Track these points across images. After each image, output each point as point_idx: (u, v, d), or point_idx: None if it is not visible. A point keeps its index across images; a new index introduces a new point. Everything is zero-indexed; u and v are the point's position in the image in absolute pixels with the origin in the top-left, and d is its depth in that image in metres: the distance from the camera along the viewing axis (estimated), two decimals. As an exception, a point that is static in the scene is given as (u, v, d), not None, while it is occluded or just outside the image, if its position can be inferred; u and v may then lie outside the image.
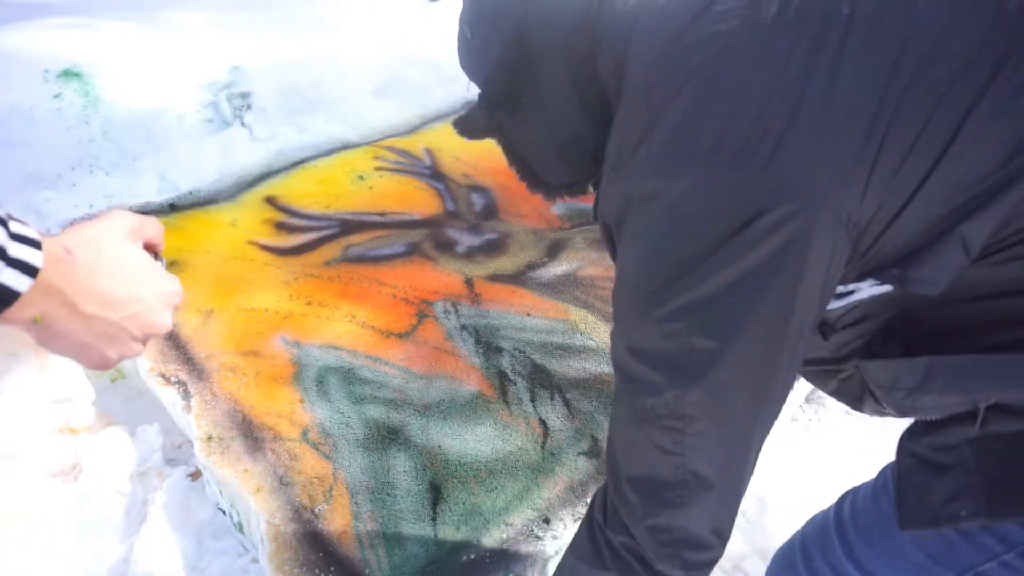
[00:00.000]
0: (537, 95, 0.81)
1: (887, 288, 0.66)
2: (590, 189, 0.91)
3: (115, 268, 0.54)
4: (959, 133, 0.56)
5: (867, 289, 0.67)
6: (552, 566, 1.30)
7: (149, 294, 0.56)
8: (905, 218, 0.60)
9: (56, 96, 2.79)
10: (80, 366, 1.77)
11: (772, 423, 0.69)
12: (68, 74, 2.89)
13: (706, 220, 0.61)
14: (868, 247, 0.62)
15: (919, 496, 0.70)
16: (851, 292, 0.69)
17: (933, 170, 0.57)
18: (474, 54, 0.85)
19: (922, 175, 0.58)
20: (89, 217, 2.07)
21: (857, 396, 0.84)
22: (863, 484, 0.88)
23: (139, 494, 1.54)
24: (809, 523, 0.95)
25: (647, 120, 0.66)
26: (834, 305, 0.70)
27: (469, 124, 0.88)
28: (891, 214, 0.60)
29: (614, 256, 0.75)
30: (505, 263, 2.05)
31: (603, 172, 0.75)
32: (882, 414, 0.80)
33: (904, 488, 0.72)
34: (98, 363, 0.56)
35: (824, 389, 0.88)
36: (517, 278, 1.98)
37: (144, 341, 0.57)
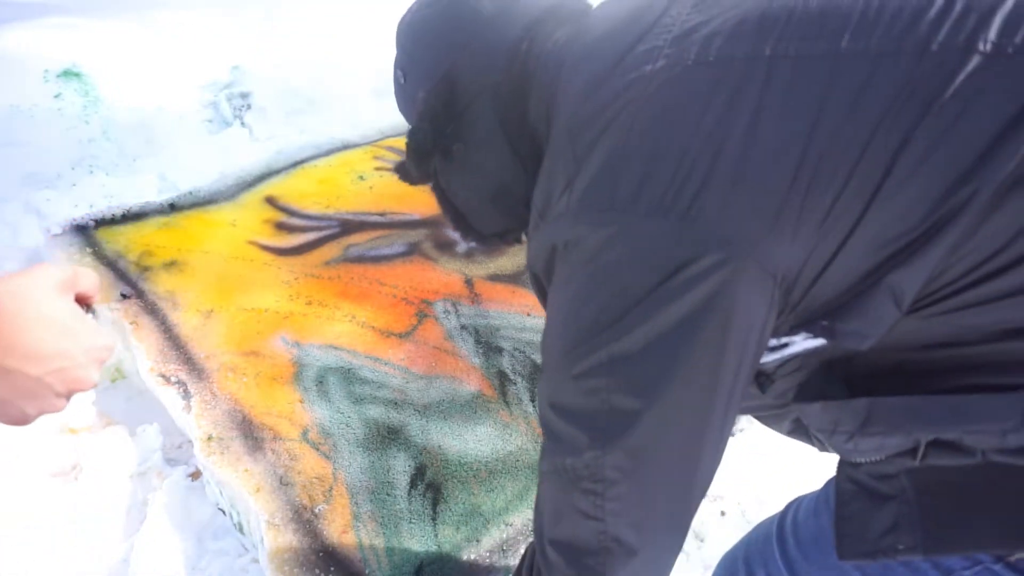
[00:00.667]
0: (467, 142, 0.78)
1: (820, 341, 0.63)
2: (523, 238, 0.87)
3: (40, 321, 0.51)
4: (883, 185, 0.53)
5: (800, 342, 0.64)
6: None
7: (76, 349, 0.53)
8: (834, 269, 0.57)
9: (56, 96, 2.79)
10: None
11: (707, 483, 0.65)
12: (68, 74, 2.89)
13: (627, 271, 0.58)
14: (799, 299, 0.59)
15: (858, 526, 0.68)
16: (785, 345, 0.66)
17: (859, 221, 0.55)
18: (407, 99, 0.83)
19: (849, 226, 0.55)
20: (85, 219, 2.07)
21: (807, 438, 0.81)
22: (808, 495, 0.86)
23: (139, 494, 1.54)
24: (754, 531, 0.94)
25: (571, 166, 0.64)
26: (769, 358, 0.67)
27: (406, 171, 0.85)
28: (820, 265, 0.57)
29: (543, 304, 0.72)
30: (505, 263, 2.05)
31: (531, 220, 0.72)
32: (824, 450, 0.77)
33: (843, 515, 0.70)
34: (15, 420, 0.53)
35: (779, 431, 0.84)
36: (517, 278, 1.98)
37: (68, 397, 0.55)
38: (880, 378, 0.64)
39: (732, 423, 0.64)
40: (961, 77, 0.51)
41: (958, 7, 0.53)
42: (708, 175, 0.56)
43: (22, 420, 0.53)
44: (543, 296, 0.72)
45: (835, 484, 0.73)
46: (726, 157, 0.56)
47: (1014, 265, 0.52)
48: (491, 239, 0.89)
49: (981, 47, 0.51)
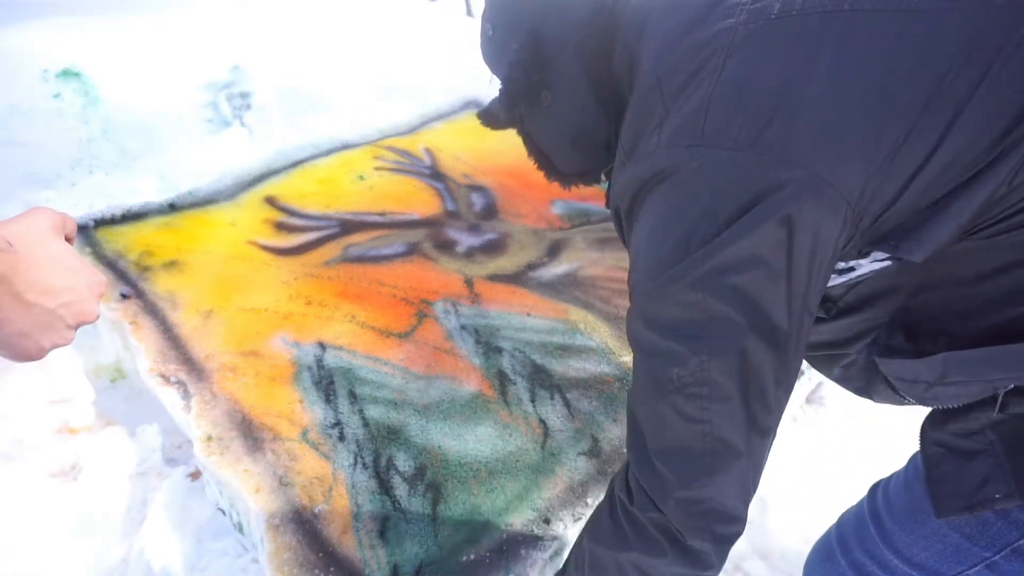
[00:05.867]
0: (554, 90, 0.86)
1: (884, 264, 0.69)
2: (603, 178, 0.95)
3: (51, 259, 0.57)
4: (955, 122, 0.59)
5: (867, 265, 0.71)
6: (551, 567, 1.30)
7: (81, 284, 0.59)
8: (905, 198, 0.63)
9: (56, 96, 2.79)
10: (77, 366, 1.77)
11: (790, 390, 0.71)
12: (68, 74, 2.89)
13: (716, 198, 0.65)
14: (869, 225, 0.65)
15: (951, 484, 0.72)
16: (851, 268, 0.72)
17: (931, 155, 0.60)
18: (494, 51, 0.90)
19: (921, 159, 0.61)
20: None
21: (861, 384, 0.85)
22: (893, 474, 0.90)
23: (139, 494, 1.54)
24: (843, 516, 0.97)
25: (660, 109, 0.71)
26: (836, 281, 0.73)
27: (492, 116, 0.92)
28: (892, 194, 0.63)
29: (624, 239, 0.79)
30: (505, 263, 2.05)
31: (616, 160, 0.79)
32: (898, 402, 0.81)
33: (935, 477, 0.74)
34: (32, 353, 0.57)
35: (828, 375, 0.90)
36: (517, 278, 1.98)
37: (75, 329, 0.60)
38: (941, 322, 0.69)
39: (807, 335, 0.69)
40: None
41: None
42: (792, 114, 0.62)
43: (37, 354, 0.58)
44: (622, 231, 0.80)
45: (921, 452, 0.77)
46: (808, 98, 0.62)
47: None
48: (571, 178, 0.96)
49: None
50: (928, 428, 0.76)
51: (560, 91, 0.85)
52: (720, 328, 0.66)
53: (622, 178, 0.75)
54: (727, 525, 0.72)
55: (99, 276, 0.62)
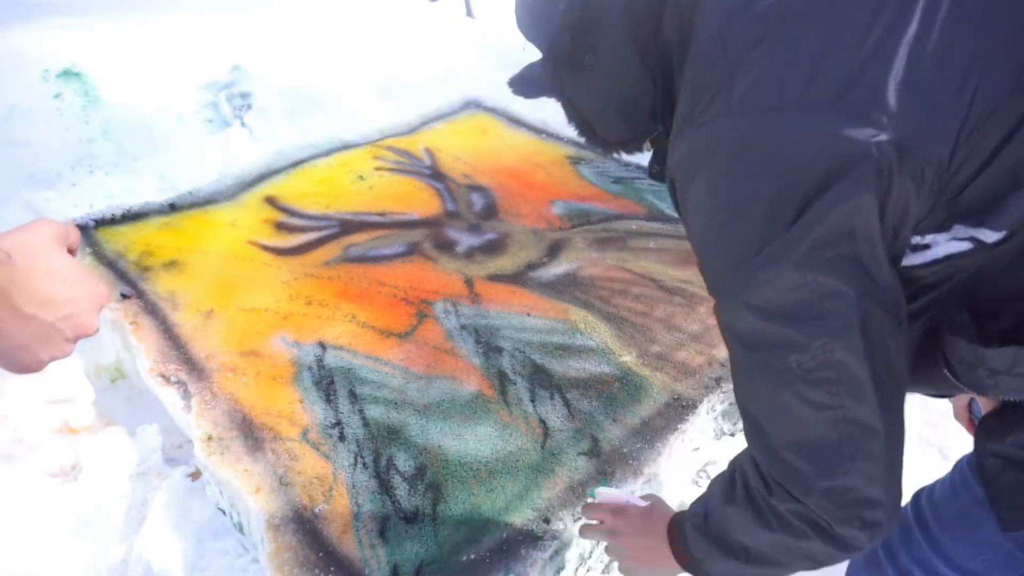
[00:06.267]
0: (599, 55, 0.82)
1: (963, 246, 0.66)
2: (647, 146, 0.92)
3: (51, 271, 0.56)
4: None
5: (944, 244, 0.67)
6: (551, 566, 1.30)
7: (81, 295, 0.58)
8: (994, 167, 0.61)
9: (56, 96, 2.79)
10: (77, 368, 1.77)
11: (906, 357, 0.67)
12: (68, 74, 2.88)
13: (799, 167, 0.62)
14: (954, 195, 0.63)
15: (1014, 497, 0.70)
16: (927, 246, 0.68)
17: (1017, 130, 0.59)
18: (536, 15, 0.85)
19: (1012, 124, 0.59)
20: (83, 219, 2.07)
21: None
22: (937, 480, 0.89)
23: (139, 494, 1.54)
24: None
25: (723, 73, 0.67)
26: (914, 261, 0.70)
27: (526, 84, 0.88)
28: (980, 161, 0.61)
29: (680, 212, 0.76)
30: (505, 263, 2.05)
31: (672, 126, 0.76)
32: (944, 388, 0.78)
33: (996, 490, 0.72)
34: (30, 365, 0.56)
35: None
36: (517, 278, 1.98)
37: (75, 342, 0.59)
38: (1005, 304, 0.67)
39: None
40: None
41: None
42: (878, 75, 0.60)
43: (36, 366, 0.57)
44: (676, 204, 0.77)
45: (975, 464, 0.76)
46: (896, 62, 0.60)
47: None
48: (614, 147, 0.93)
49: None
50: (984, 440, 0.74)
51: (605, 55, 0.81)
52: (834, 305, 0.62)
53: (680, 147, 0.71)
54: (875, 510, 0.67)
55: (101, 288, 0.61)
